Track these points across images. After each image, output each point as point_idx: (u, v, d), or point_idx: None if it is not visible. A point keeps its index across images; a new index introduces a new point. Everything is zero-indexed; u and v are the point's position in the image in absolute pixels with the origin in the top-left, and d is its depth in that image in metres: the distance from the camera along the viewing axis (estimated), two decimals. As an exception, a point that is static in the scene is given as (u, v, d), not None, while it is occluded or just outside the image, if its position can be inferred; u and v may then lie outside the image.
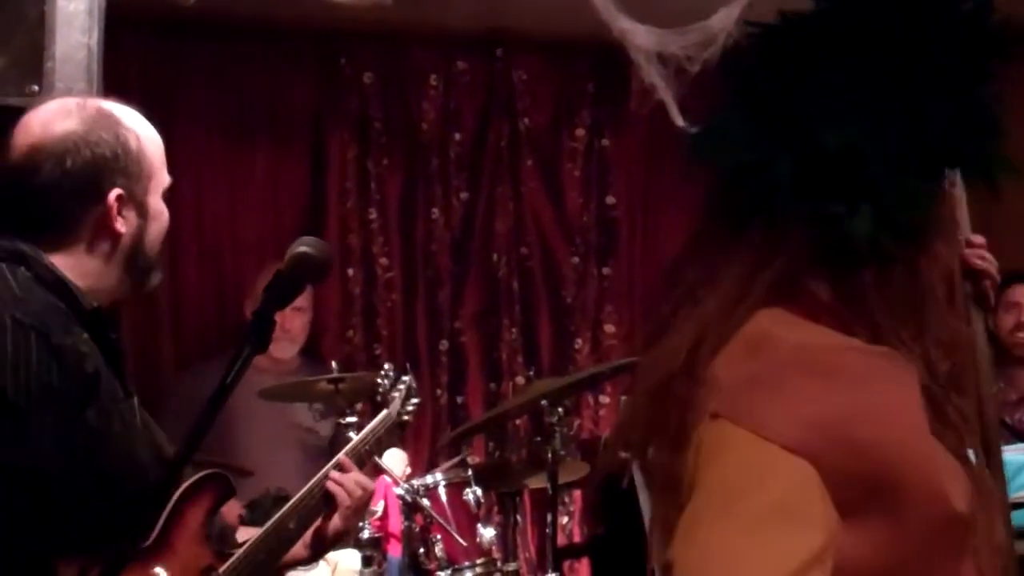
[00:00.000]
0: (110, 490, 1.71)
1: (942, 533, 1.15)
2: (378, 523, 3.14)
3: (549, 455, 3.09)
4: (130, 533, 1.72)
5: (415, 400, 2.51)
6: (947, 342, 1.22)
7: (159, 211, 1.85)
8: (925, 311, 1.20)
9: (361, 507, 2.11)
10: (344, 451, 2.17)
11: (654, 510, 1.26)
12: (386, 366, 2.70)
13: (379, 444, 2.31)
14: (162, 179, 1.86)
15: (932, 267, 1.21)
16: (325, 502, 2.04)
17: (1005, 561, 1.34)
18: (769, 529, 1.10)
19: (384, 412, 2.40)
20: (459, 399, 4.52)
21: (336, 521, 2.06)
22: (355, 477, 2.08)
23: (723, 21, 3.09)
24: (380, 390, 2.57)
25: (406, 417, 2.45)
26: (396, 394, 2.49)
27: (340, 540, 2.13)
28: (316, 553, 2.10)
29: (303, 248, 1.64)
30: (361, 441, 2.25)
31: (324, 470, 2.08)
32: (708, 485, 1.15)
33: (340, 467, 2.08)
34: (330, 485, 2.05)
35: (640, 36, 3.14)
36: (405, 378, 2.55)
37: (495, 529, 3.34)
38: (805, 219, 1.18)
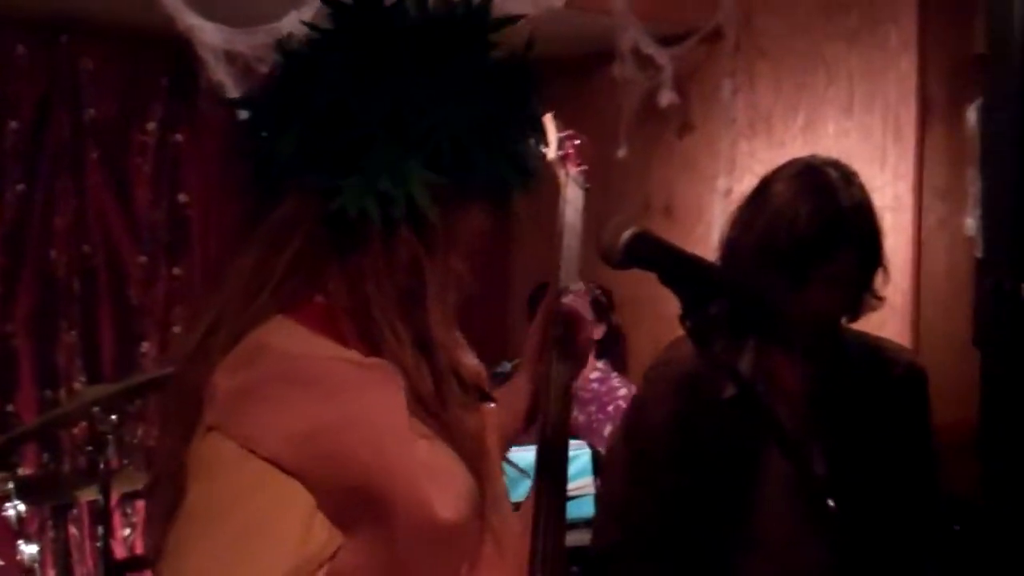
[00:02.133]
0: None
1: (429, 541, 1.19)
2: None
3: (101, 465, 2.95)
4: None
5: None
6: (447, 347, 1.27)
7: None
8: (427, 312, 1.24)
9: None
10: None
11: (149, 505, 1.26)
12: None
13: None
14: None
15: (439, 273, 1.25)
16: None
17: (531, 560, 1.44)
18: (246, 549, 1.12)
19: None
20: (9, 407, 4.21)
21: None
22: None
23: (292, 24, 3.10)
24: None
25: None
26: None
27: None
28: None
29: None
30: None
31: None
32: (197, 500, 1.15)
33: None
34: None
35: (208, 33, 3.09)
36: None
37: (44, 545, 3.15)
38: (307, 195, 1.22)
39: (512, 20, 1.30)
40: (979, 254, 3.15)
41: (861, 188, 1.95)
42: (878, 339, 2.12)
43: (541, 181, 1.34)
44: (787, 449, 1.27)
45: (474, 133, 1.23)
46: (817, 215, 1.85)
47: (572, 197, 1.77)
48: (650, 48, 4.06)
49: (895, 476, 1.98)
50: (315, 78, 1.23)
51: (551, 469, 1.53)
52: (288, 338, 1.21)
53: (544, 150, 1.82)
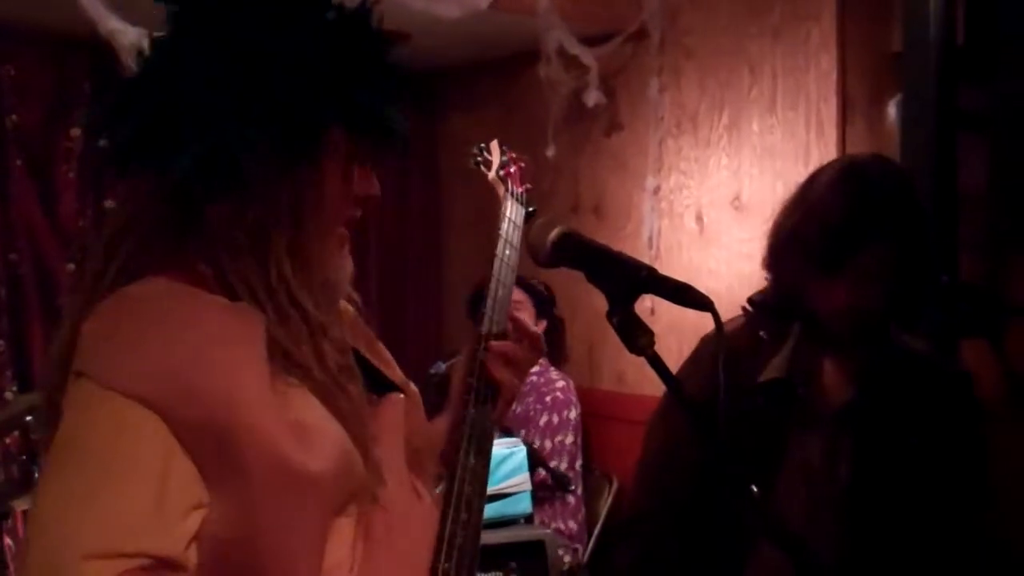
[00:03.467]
0: None
1: (286, 489, 1.16)
2: None
3: (36, 474, 2.92)
4: None
5: None
6: (313, 310, 1.28)
7: None
8: (283, 274, 1.26)
9: None
10: None
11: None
12: None
13: None
14: None
15: (287, 234, 1.26)
16: None
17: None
18: (106, 479, 1.12)
19: None
20: (-63, 417, 4.14)
21: None
22: None
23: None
24: None
25: None
26: None
27: None
28: None
29: None
30: None
31: None
32: (59, 439, 1.17)
33: None
34: None
35: (130, 36, 3.06)
36: None
37: (-23, 557, 3.11)
38: (145, 178, 1.26)
39: None
40: (900, 247, 3.23)
41: (902, 185, 1.97)
42: (929, 353, 2.10)
43: (397, 137, 1.35)
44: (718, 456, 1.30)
45: (302, 85, 1.25)
46: (847, 207, 1.90)
47: (512, 214, 1.79)
48: (575, 48, 4.10)
49: (926, 495, 1.95)
50: (146, 68, 1.28)
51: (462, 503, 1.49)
52: (149, 286, 1.24)
53: (484, 170, 1.90)
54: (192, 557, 1.15)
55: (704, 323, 2.09)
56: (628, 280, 1.37)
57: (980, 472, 2.03)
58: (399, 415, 1.45)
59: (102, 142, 1.28)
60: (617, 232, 4.39)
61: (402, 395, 1.47)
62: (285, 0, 1.27)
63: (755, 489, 1.28)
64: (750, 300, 2.06)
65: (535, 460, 3.55)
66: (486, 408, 1.57)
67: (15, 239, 4.31)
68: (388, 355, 1.56)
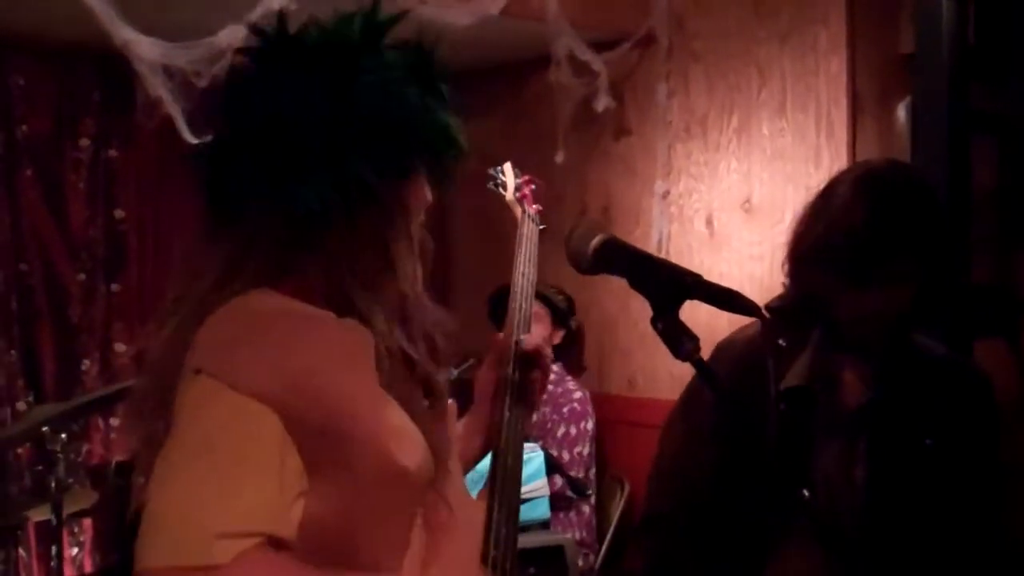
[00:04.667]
0: None
1: (388, 485, 1.31)
2: None
3: (52, 484, 2.92)
4: None
5: None
6: (419, 318, 1.42)
7: None
8: (399, 282, 1.40)
9: None
10: None
11: (140, 465, 1.33)
12: None
13: None
14: None
15: (403, 242, 1.41)
16: None
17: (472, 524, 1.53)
18: (231, 473, 1.23)
19: None
20: (-49, 429, 4.15)
21: None
22: None
23: (229, 37, 3.09)
24: None
25: None
26: None
27: None
28: None
29: None
30: None
31: None
32: (182, 434, 1.26)
33: None
34: None
35: (144, 47, 3.06)
36: None
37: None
38: (272, 201, 1.36)
39: (401, 15, 1.46)
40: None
41: (923, 191, 1.97)
42: (953, 358, 2.10)
43: (465, 150, 1.48)
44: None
45: (399, 117, 1.39)
46: (873, 217, 1.89)
47: (529, 233, 1.94)
48: (585, 54, 4.10)
49: (941, 497, 1.95)
50: (253, 102, 1.38)
51: (506, 501, 1.60)
52: (266, 298, 1.35)
53: (503, 192, 2.04)
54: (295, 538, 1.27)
55: (717, 326, 2.11)
56: (673, 286, 1.37)
57: (994, 475, 2.03)
58: (453, 418, 1.57)
59: (214, 169, 1.40)
60: (626, 236, 4.37)
61: (451, 400, 1.56)
62: (362, 43, 1.42)
63: (806, 493, 1.27)
64: (768, 307, 2.05)
65: (552, 466, 3.54)
66: (521, 411, 1.65)
67: (25, 249, 4.32)
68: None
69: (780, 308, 2.03)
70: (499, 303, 4.14)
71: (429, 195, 1.48)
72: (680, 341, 1.33)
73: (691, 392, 2.17)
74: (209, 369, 1.27)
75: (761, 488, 1.90)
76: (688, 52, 4.16)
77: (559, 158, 4.34)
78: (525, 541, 3.27)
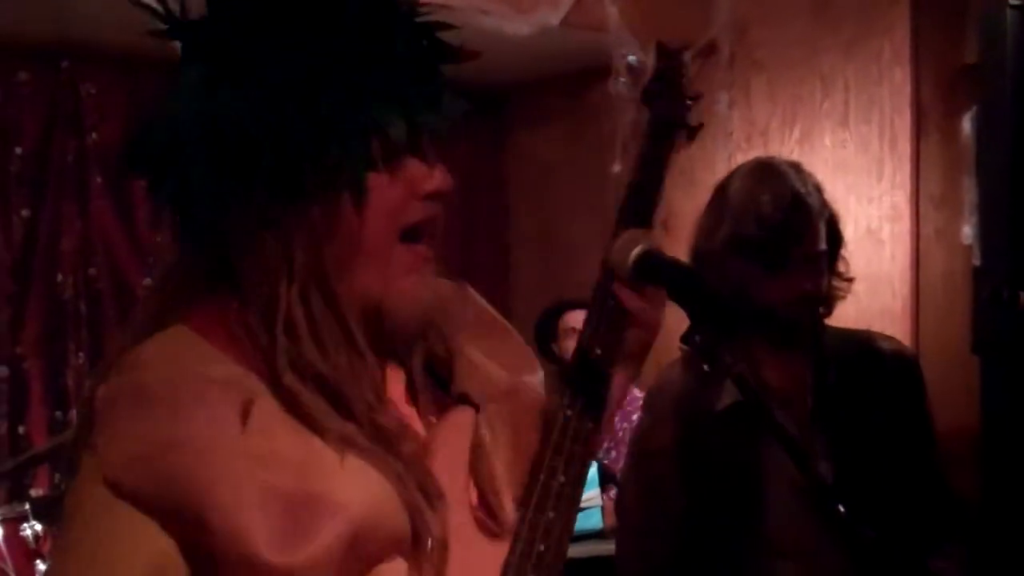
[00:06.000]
0: None
1: None
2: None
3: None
4: None
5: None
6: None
7: None
8: (295, 295, 1.12)
9: None
10: None
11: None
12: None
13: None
14: None
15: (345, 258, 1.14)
16: None
17: None
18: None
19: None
20: (20, 429, 4.24)
21: None
22: None
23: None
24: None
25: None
26: None
27: None
28: None
29: None
30: None
31: None
32: (61, 517, 1.10)
33: None
34: None
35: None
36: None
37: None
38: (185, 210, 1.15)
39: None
40: (976, 262, 3.19)
41: (809, 174, 2.06)
42: (862, 332, 2.18)
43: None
44: (793, 453, 1.30)
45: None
46: (779, 200, 1.96)
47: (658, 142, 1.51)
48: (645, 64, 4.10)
49: (899, 464, 2.02)
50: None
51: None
52: (164, 342, 1.13)
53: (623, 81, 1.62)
54: None
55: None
56: (712, 298, 1.36)
57: (930, 427, 2.13)
58: (460, 436, 1.24)
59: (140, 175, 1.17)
60: (685, 246, 4.36)
61: (470, 410, 1.26)
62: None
63: (842, 509, 1.26)
64: (683, 338, 2.02)
65: (606, 476, 3.54)
66: (585, 419, 1.29)
67: (94, 254, 4.41)
68: (509, 343, 1.36)
69: (691, 336, 1.98)
70: (548, 328, 4.04)
71: (426, 182, 1.18)
72: (718, 356, 1.31)
73: (639, 443, 2.20)
74: (90, 445, 1.08)
75: (730, 514, 1.98)
76: (750, 61, 4.14)
77: (616, 168, 4.34)
78: (579, 551, 3.30)
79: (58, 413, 4.31)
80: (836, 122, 3.85)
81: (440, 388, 1.28)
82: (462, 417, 1.25)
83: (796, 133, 3.99)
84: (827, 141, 3.88)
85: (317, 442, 1.09)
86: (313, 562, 1.03)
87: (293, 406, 1.09)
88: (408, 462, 1.13)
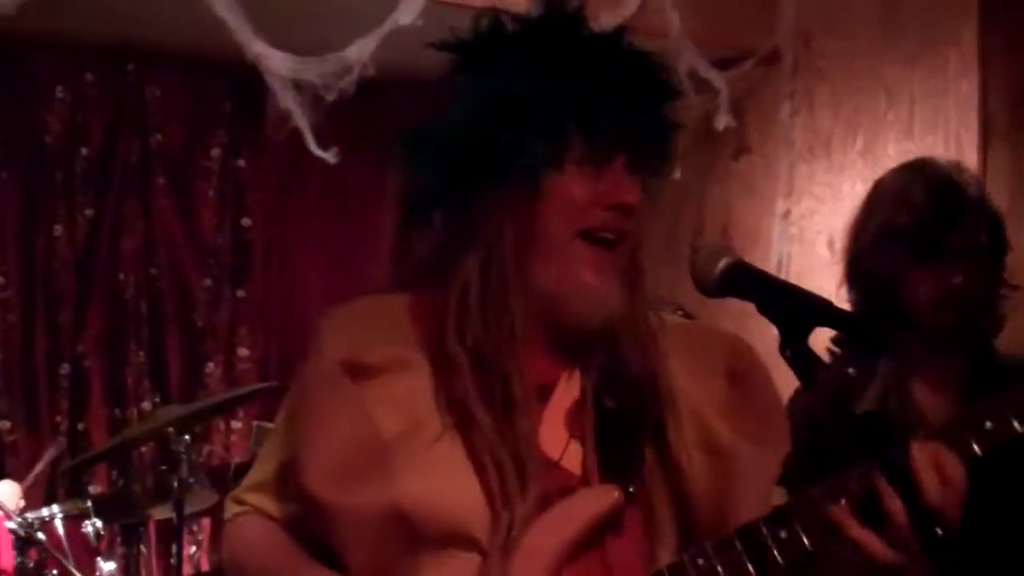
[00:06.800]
0: None
1: (311, 515, 1.26)
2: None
3: (175, 484, 3.01)
4: None
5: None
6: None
7: None
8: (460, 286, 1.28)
9: None
10: None
11: None
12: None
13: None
14: None
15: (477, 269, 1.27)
16: None
17: None
18: (264, 449, 1.41)
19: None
20: (80, 426, 4.31)
21: None
22: None
23: (359, 52, 3.16)
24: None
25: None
26: None
27: None
28: None
29: None
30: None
31: None
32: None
33: None
34: None
35: (276, 61, 3.15)
36: None
37: (117, 562, 3.22)
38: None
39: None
40: (1043, 275, 3.14)
41: (971, 172, 2.03)
42: None
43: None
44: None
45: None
46: (932, 186, 1.92)
47: None
48: (706, 71, 4.07)
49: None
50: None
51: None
52: (359, 308, 1.35)
53: None
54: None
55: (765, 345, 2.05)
56: (803, 313, 1.33)
57: None
58: (584, 516, 1.23)
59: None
60: (745, 256, 4.31)
61: (616, 494, 1.25)
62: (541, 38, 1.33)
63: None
64: (833, 340, 1.98)
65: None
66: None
67: (156, 255, 4.47)
68: (756, 404, 1.36)
69: (843, 338, 1.95)
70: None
71: (613, 194, 1.29)
72: (810, 370, 1.28)
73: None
74: None
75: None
76: (814, 70, 4.10)
77: (677, 175, 4.31)
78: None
79: (117, 411, 4.38)
80: (900, 133, 3.81)
81: (616, 414, 1.30)
82: (596, 498, 1.25)
83: (859, 143, 3.95)
84: (891, 152, 3.83)
85: (421, 429, 1.20)
86: (355, 512, 1.17)
87: (444, 379, 1.22)
88: (520, 439, 1.21)
